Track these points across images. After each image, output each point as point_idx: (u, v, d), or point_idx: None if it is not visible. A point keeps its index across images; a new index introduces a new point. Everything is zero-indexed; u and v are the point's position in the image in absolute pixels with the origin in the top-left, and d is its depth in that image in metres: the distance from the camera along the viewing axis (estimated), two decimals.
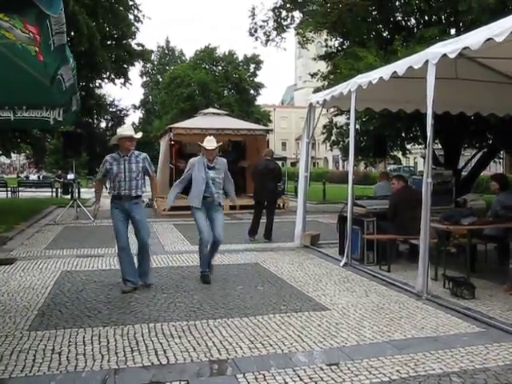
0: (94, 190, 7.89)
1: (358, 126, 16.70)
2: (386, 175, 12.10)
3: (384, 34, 18.34)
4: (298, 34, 21.29)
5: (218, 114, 22.98)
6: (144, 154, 7.38)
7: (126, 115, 68.41)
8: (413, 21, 18.10)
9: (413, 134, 20.01)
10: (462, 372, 4.24)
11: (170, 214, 17.44)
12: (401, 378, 4.14)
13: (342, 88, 9.27)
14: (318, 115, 11.07)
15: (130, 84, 20.97)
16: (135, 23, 18.82)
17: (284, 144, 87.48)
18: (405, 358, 4.55)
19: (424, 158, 40.73)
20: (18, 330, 5.40)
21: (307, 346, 4.93)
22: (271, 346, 4.91)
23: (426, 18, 17.19)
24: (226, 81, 58.75)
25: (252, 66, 61.48)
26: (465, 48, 5.96)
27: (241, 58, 61.31)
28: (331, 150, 26.04)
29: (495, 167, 37.12)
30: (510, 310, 6.02)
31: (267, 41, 22.10)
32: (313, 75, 20.35)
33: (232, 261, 9.42)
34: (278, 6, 20.71)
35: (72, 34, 14.61)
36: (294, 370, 4.30)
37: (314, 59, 21.74)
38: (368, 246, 8.92)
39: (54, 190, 29.53)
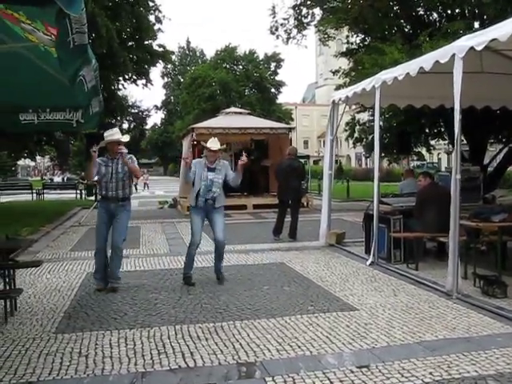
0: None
1: (381, 123, 16.52)
2: (411, 172, 11.93)
3: (406, 30, 18.13)
4: (318, 30, 21.18)
5: (240, 113, 22.93)
6: (129, 155, 7.42)
7: (148, 116, 69.03)
8: (435, 15, 17.89)
9: (437, 130, 19.77)
10: (498, 375, 4.09)
11: None
12: (434, 380, 4.03)
13: (366, 84, 9.15)
14: (342, 112, 10.95)
15: (152, 85, 21.04)
16: (156, 24, 18.85)
17: (306, 142, 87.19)
18: (437, 359, 4.43)
19: (448, 153, 40.32)
20: (45, 332, 5.40)
21: (336, 347, 4.84)
22: (299, 347, 4.83)
23: (449, 11, 16.96)
24: (247, 80, 58.66)
25: (273, 65, 61.30)
26: (492, 40, 5.81)
27: (261, 56, 61.23)
28: (354, 148, 25.73)
29: None
30: None
31: (288, 39, 21.99)
32: (334, 72, 20.22)
33: (257, 261, 9.35)
34: (298, 3, 20.61)
35: (93, 35, 14.67)
36: (324, 373, 4.21)
37: (335, 56, 21.57)
38: (395, 245, 8.79)
39: (78, 191, 29.74)
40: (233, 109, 25.67)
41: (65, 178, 48.93)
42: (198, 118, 42.21)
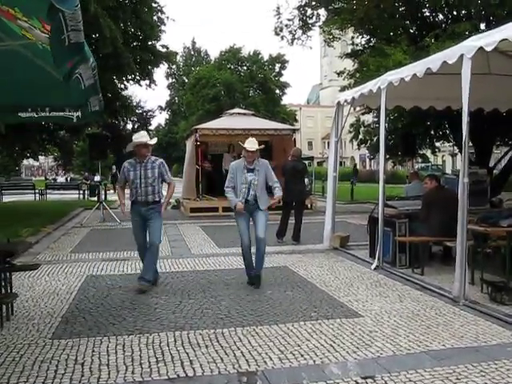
0: (116, 194, 8.13)
1: (386, 125, 16.37)
2: (417, 175, 11.77)
3: (411, 31, 17.99)
4: (323, 31, 21.04)
5: (244, 114, 22.78)
6: (160, 160, 7.45)
7: (152, 117, 68.87)
8: (441, 16, 17.75)
9: (442, 132, 19.63)
10: None
11: (196, 216, 17.39)
12: None
13: (372, 85, 9.00)
14: (347, 114, 10.81)
15: (155, 85, 20.93)
16: (159, 25, 18.72)
17: (310, 143, 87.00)
18: (445, 370, 4.27)
19: (453, 156, 40.10)
20: (41, 338, 5.26)
21: (340, 356, 4.69)
22: (302, 356, 4.68)
23: (455, 13, 16.81)
24: (252, 81, 58.51)
25: (277, 66, 61.14)
26: (502, 40, 5.65)
27: (266, 57, 61.08)
28: (358, 149, 25.66)
29: None
30: None
31: (293, 39, 21.87)
32: (339, 73, 20.05)
33: None
34: (303, 4, 20.50)
35: (96, 36, 14.56)
36: None
37: (340, 57, 21.45)
38: (400, 249, 8.62)
39: (81, 192, 29.66)
40: (237, 110, 25.52)
41: (68, 178, 48.96)
42: (202, 118, 42.13)
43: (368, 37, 19.70)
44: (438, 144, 21.96)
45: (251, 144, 7.48)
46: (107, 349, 4.92)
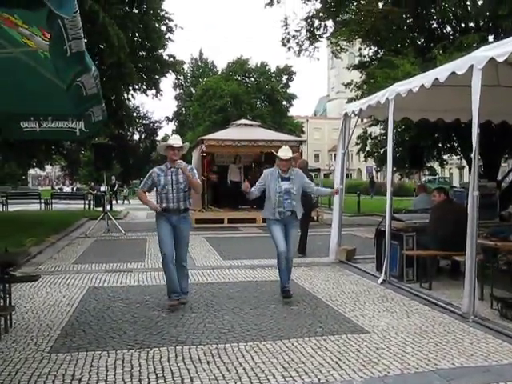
0: (139, 198, 7.67)
1: (393, 136, 16.25)
2: (424, 188, 11.61)
3: (419, 42, 17.88)
4: (331, 43, 20.97)
5: (251, 125, 22.71)
6: (191, 165, 7.21)
7: (159, 127, 68.88)
8: (448, 28, 17.65)
9: (450, 145, 19.45)
10: None
11: (201, 227, 17.25)
12: None
13: (380, 97, 8.89)
14: (354, 126, 10.70)
15: (161, 95, 20.85)
16: (168, 33, 18.69)
17: (317, 155, 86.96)
18: None
19: (460, 168, 39.88)
20: (38, 351, 5.13)
21: (346, 374, 4.53)
22: (307, 374, 4.53)
23: (463, 25, 16.72)
24: (259, 92, 58.55)
25: (284, 77, 61.20)
26: None
27: (273, 69, 61.16)
28: (365, 161, 25.52)
29: None
30: None
31: (300, 51, 21.75)
32: (346, 85, 19.95)
33: (265, 277, 9.06)
34: (310, 15, 20.40)
35: (103, 45, 14.53)
36: None
37: (348, 68, 21.32)
38: (407, 263, 8.47)
39: (87, 202, 29.61)
40: (243, 121, 25.44)
41: (74, 188, 49.01)
42: (209, 129, 42.12)
43: (375, 48, 19.59)
44: (445, 157, 21.78)
45: (285, 152, 7.30)
46: (106, 364, 4.79)
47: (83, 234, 15.90)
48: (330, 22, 20.75)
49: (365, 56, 20.57)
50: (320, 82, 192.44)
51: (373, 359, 4.89)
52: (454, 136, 17.82)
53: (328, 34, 21.38)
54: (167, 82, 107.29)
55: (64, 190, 49.23)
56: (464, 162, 28.39)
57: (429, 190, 11.34)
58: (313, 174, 18.68)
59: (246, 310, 6.75)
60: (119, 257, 11.17)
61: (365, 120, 15.31)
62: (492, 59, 5.96)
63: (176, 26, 19.04)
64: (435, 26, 17.64)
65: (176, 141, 6.97)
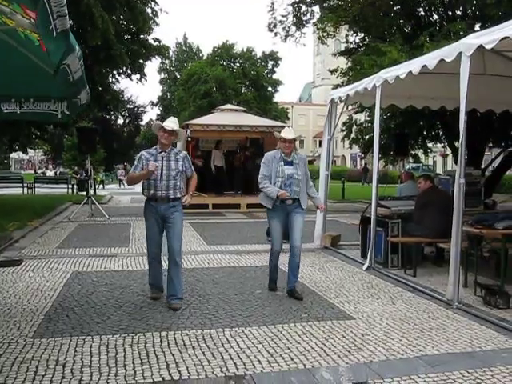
0: (130, 182, 6.80)
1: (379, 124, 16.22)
2: (410, 175, 11.61)
3: (406, 30, 17.85)
4: (318, 28, 20.84)
5: (236, 111, 22.56)
6: (184, 153, 6.53)
7: (144, 112, 68.53)
8: (435, 16, 17.64)
9: (434, 133, 19.51)
10: None
11: (186, 212, 17.15)
12: None
13: (367, 83, 8.85)
14: (340, 112, 10.67)
15: (146, 80, 20.58)
16: (152, 17, 18.46)
17: (302, 142, 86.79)
18: (440, 377, 4.13)
19: (444, 156, 40.10)
20: (21, 336, 5.07)
21: (331, 360, 4.53)
22: (292, 359, 4.52)
23: (450, 13, 16.71)
24: (244, 77, 58.38)
25: (270, 63, 61.04)
26: (504, 39, 5.50)
27: (259, 54, 60.94)
28: (350, 148, 25.58)
29: None
30: None
31: (286, 36, 21.64)
32: (332, 71, 19.87)
33: (249, 263, 9.04)
34: (297, 0, 20.27)
35: (87, 28, 14.31)
36: None
37: (334, 55, 21.27)
38: (392, 249, 8.50)
39: (70, 186, 29.38)
40: (228, 106, 25.30)
41: (57, 173, 48.60)
42: (194, 114, 41.90)
43: (362, 35, 19.54)
44: (429, 145, 21.85)
45: (289, 133, 6.66)
46: (90, 349, 4.74)
47: (67, 218, 15.74)
48: (316, 8, 20.67)
49: (351, 42, 20.50)
50: (305, 69, 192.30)
51: (358, 345, 4.90)
52: (438, 124, 17.88)
53: (315, 20, 21.29)
54: (152, 66, 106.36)
55: (47, 175, 48.77)
56: (448, 150, 28.53)
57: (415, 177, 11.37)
58: None
59: (231, 295, 6.73)
60: (103, 241, 11.09)
61: (350, 107, 15.26)
62: (480, 47, 5.95)
63: (161, 10, 18.84)
64: (422, 13, 17.62)
65: (170, 123, 6.27)
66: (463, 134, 6.19)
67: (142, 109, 67.10)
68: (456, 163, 8.78)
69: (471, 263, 7.24)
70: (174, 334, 5.16)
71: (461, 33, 12.99)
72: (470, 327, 5.46)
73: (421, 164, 48.60)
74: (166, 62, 68.13)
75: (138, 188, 31.77)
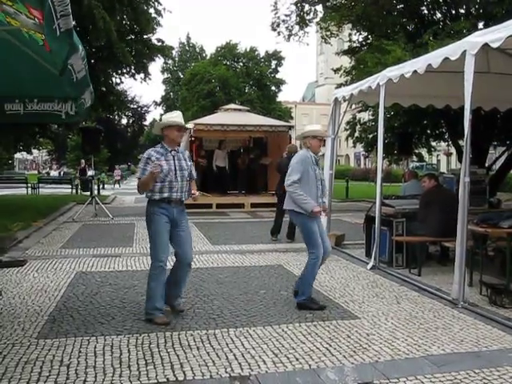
0: (138, 190, 5.81)
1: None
2: (414, 174, 11.59)
3: (409, 28, 17.82)
4: (321, 28, 20.84)
5: (240, 110, 22.53)
6: (187, 152, 6.17)
7: (147, 112, 68.66)
8: (439, 15, 17.60)
9: (439, 131, 19.47)
10: None
11: (190, 212, 17.14)
12: None
13: (371, 82, 8.82)
14: (344, 111, 10.65)
15: (150, 79, 20.59)
16: (156, 17, 18.42)
17: None
18: (446, 377, 4.10)
19: (448, 155, 39.95)
20: (26, 337, 5.06)
21: (337, 360, 4.51)
22: (297, 360, 4.50)
23: (453, 11, 16.67)
24: (247, 77, 58.35)
25: (273, 63, 61.00)
26: (510, 36, 5.46)
27: (262, 54, 60.89)
28: (354, 147, 25.49)
29: None
30: None
31: (289, 35, 21.65)
32: (336, 70, 19.85)
33: (254, 262, 9.02)
34: None
35: (89, 28, 14.30)
36: None
37: (337, 54, 21.24)
38: (397, 248, 8.47)
39: (74, 186, 29.40)
40: (232, 105, 25.28)
41: (61, 173, 48.66)
42: (198, 114, 41.88)
43: (365, 34, 19.49)
44: (433, 143, 21.80)
45: (321, 128, 6.22)
46: (95, 350, 4.73)
47: (70, 218, 15.75)
48: (319, 7, 20.66)
49: (354, 41, 20.48)
50: (308, 68, 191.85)
51: (363, 345, 4.87)
52: (442, 123, 17.83)
53: (318, 19, 21.29)
54: (155, 66, 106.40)
55: (51, 175, 48.82)
56: (452, 149, 28.48)
57: (419, 176, 11.35)
58: None
59: (236, 295, 6.71)
60: (107, 241, 11.09)
61: (353, 106, 15.23)
62: (484, 45, 5.91)
63: (164, 9, 18.79)
64: (425, 12, 17.59)
65: (179, 119, 5.84)
66: (468, 133, 6.16)
67: (145, 109, 67.26)
68: (460, 162, 8.77)
69: (476, 262, 7.21)
70: (179, 335, 5.15)
71: (464, 31, 12.97)
72: (475, 327, 5.43)
73: (425, 163, 48.53)
74: (170, 62, 68.18)
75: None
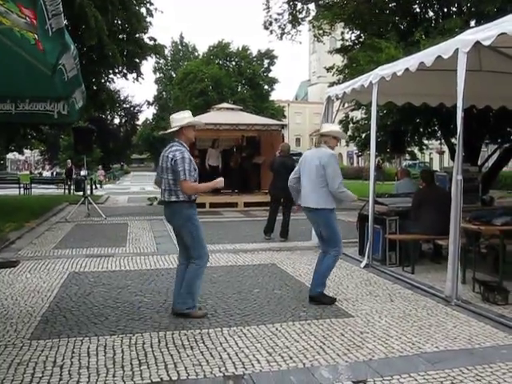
0: (185, 191, 5.72)
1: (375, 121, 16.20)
2: (407, 172, 11.62)
3: (402, 26, 17.85)
4: (313, 26, 20.84)
5: (232, 109, 22.50)
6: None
7: (140, 111, 68.59)
8: (431, 13, 17.64)
9: (431, 129, 19.52)
10: None
11: None
12: None
13: (363, 80, 8.82)
14: (336, 109, 10.64)
15: (142, 79, 20.49)
16: (147, 17, 18.37)
17: (298, 140, 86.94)
18: (439, 374, 4.11)
19: (440, 153, 40.09)
20: (18, 338, 5.04)
21: (330, 358, 4.51)
22: (291, 358, 4.50)
23: (445, 10, 16.72)
24: (240, 76, 58.36)
25: (266, 61, 61.05)
26: (501, 34, 5.47)
27: (255, 53, 60.93)
28: (347, 146, 25.52)
29: None
30: None
31: (282, 34, 21.63)
32: (328, 69, 19.86)
33: (247, 261, 9.01)
34: None
35: (82, 28, 14.24)
36: None
37: (330, 52, 21.27)
38: (390, 246, 8.48)
39: (67, 186, 29.27)
40: (224, 104, 25.24)
41: (54, 173, 48.45)
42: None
43: (358, 32, 19.51)
44: (426, 141, 21.86)
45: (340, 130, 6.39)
46: (88, 350, 4.71)
47: (63, 218, 15.70)
48: (312, 6, 20.64)
49: (347, 40, 20.48)
50: (301, 67, 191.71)
51: (357, 343, 4.88)
52: (435, 121, 17.87)
53: (310, 18, 21.28)
54: (147, 65, 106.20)
55: (43, 175, 48.59)
56: (444, 147, 28.55)
57: (411, 175, 11.39)
58: (296, 159, 18.63)
59: (229, 294, 6.71)
60: (100, 241, 11.05)
61: (346, 104, 15.24)
62: (476, 43, 5.92)
63: (156, 9, 18.73)
64: (418, 10, 17.62)
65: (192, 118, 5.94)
66: (460, 131, 6.17)
67: (138, 108, 67.16)
68: (453, 160, 8.78)
69: (469, 260, 7.23)
70: (172, 334, 5.14)
71: (456, 29, 13.00)
72: (468, 324, 5.45)
73: (417, 161, 48.65)
74: (162, 61, 68.12)
75: (134, 187, 31.67)
